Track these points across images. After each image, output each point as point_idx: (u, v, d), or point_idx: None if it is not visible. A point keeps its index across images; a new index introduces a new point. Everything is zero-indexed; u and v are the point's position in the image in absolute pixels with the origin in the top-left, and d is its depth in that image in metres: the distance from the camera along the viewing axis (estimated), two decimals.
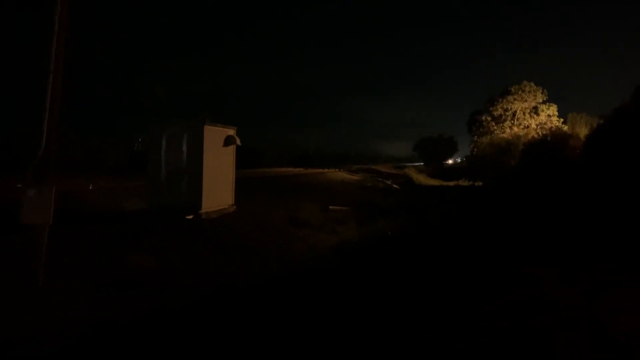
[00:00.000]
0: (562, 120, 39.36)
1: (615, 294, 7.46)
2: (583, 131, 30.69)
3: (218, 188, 12.02)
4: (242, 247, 9.85)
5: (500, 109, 41.70)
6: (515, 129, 40.16)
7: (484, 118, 43.10)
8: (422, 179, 53.36)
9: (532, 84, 40.63)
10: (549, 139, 31.33)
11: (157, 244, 8.65)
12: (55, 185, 6.36)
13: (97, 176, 18.23)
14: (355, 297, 6.95)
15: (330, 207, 16.93)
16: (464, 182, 43.37)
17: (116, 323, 5.41)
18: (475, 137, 44.60)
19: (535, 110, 40.33)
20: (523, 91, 40.43)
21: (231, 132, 12.64)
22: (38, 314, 5.45)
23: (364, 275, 8.43)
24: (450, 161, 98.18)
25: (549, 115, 39.78)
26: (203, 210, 11.27)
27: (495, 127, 41.81)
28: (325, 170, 39.51)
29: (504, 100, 41.40)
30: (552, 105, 40.16)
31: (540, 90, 40.25)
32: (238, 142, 12.73)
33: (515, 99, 40.66)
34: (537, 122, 39.72)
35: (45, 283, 6.17)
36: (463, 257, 10.32)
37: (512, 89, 40.99)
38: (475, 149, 44.66)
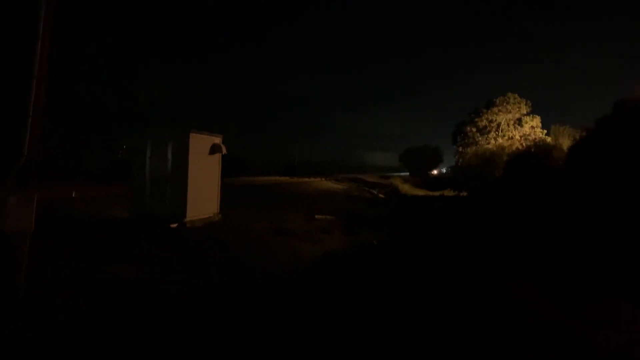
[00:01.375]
0: (545, 131, 39.85)
1: (596, 305, 7.55)
2: (566, 142, 31.05)
3: (203, 197, 11.93)
4: (226, 257, 9.76)
5: (485, 120, 42.09)
6: (500, 140, 40.53)
7: (468, 129, 43.45)
8: (408, 189, 53.55)
9: (517, 95, 41.14)
10: (533, 150, 31.66)
11: (140, 253, 8.53)
12: (37, 192, 6.24)
13: (80, 183, 18.00)
14: (339, 309, 6.91)
15: (316, 216, 16.89)
16: (449, 192, 43.63)
17: (94, 333, 5.33)
18: (460, 148, 44.90)
19: (519, 122, 40.76)
20: (507, 103, 40.88)
21: (217, 140, 12.58)
22: (16, 324, 5.32)
23: (348, 287, 8.40)
24: (435, 171, 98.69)
25: (532, 127, 40.22)
26: (188, 219, 11.17)
27: (480, 138, 42.17)
28: (312, 179, 39.51)
29: (489, 111, 41.81)
30: (535, 117, 40.64)
31: (524, 102, 40.73)
32: (224, 150, 12.66)
33: (499, 111, 41.09)
34: (521, 134, 40.14)
35: (25, 292, 6.03)
36: (446, 268, 10.36)
37: (497, 101, 41.44)
38: (460, 160, 44.96)
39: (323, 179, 41.78)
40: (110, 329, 5.51)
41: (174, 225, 10.88)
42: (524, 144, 37.43)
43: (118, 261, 7.91)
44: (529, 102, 40.89)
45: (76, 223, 10.52)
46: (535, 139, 38.20)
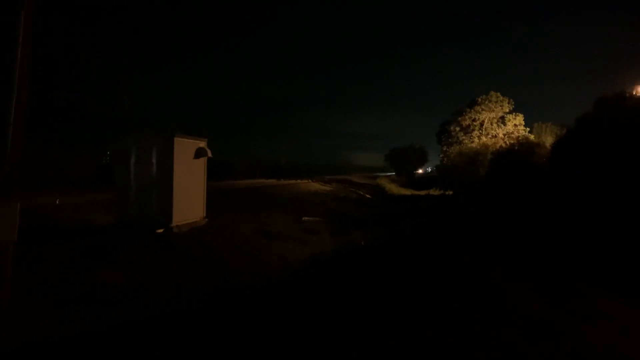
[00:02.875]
0: (528, 129, 40.27)
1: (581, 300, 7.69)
2: (549, 140, 31.38)
3: (189, 201, 11.89)
4: (213, 261, 9.74)
5: (468, 119, 42.41)
6: (484, 138, 40.85)
7: (452, 128, 43.76)
8: (394, 189, 53.77)
9: (499, 94, 41.53)
10: (516, 148, 31.94)
11: (126, 259, 8.49)
12: (20, 200, 6.18)
13: (65, 190, 17.81)
14: (325, 311, 6.94)
15: (304, 218, 16.92)
16: (435, 191, 43.92)
17: (79, 340, 5.31)
18: (445, 147, 45.19)
19: (502, 120, 41.13)
20: (490, 101, 41.24)
21: (202, 144, 12.54)
22: (0, 332, 5.28)
23: (335, 288, 8.42)
24: (420, 171, 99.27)
25: (515, 125, 40.61)
26: (174, 224, 11.12)
27: (464, 137, 42.49)
28: (298, 181, 39.51)
29: (472, 110, 42.14)
30: (518, 115, 41.04)
31: (507, 101, 41.11)
32: (209, 154, 12.63)
33: (482, 109, 41.44)
34: (505, 132, 40.50)
35: (10, 301, 5.98)
36: (433, 268, 10.45)
37: (479, 100, 41.79)
38: (445, 159, 45.24)
39: (310, 180, 41.80)
40: (97, 335, 5.48)
41: (160, 230, 10.83)
42: (507, 142, 37.77)
43: (104, 267, 7.86)
44: (511, 100, 41.30)
45: (61, 230, 10.42)
46: (518, 136, 38.56)
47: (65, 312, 6.04)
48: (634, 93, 21.16)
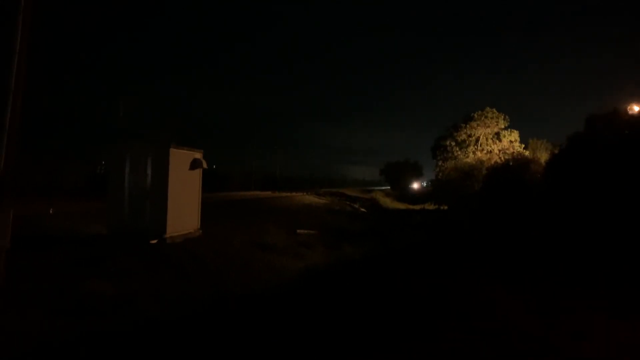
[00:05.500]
0: (523, 145, 40.49)
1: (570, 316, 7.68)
2: (544, 156, 31.56)
3: (183, 212, 11.81)
4: (206, 273, 9.66)
5: (463, 135, 42.61)
6: (479, 154, 41.02)
7: (448, 143, 43.93)
8: (389, 203, 53.82)
9: (495, 110, 41.79)
10: (511, 163, 32.12)
11: (119, 270, 8.39)
12: (13, 209, 6.13)
13: (58, 199, 17.69)
14: (318, 324, 6.88)
15: (298, 230, 16.86)
16: (429, 206, 43.98)
17: (69, 350, 5.25)
18: (440, 162, 45.31)
19: (497, 136, 41.34)
20: (486, 117, 41.48)
21: (197, 155, 12.50)
22: None
23: (328, 302, 8.36)
24: (415, 185, 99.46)
25: (511, 141, 40.83)
26: (168, 235, 11.04)
27: (459, 152, 42.66)
28: (293, 193, 39.42)
29: (467, 126, 42.36)
30: (513, 131, 41.30)
31: (502, 117, 41.37)
32: (204, 165, 12.58)
33: (478, 125, 41.66)
34: (500, 148, 40.69)
35: (1, 310, 5.89)
36: (426, 283, 10.42)
37: (475, 115, 42.03)
38: (440, 174, 45.34)
39: (305, 193, 41.71)
40: (87, 345, 5.40)
41: (154, 241, 10.74)
42: (502, 158, 37.94)
43: (96, 278, 7.76)
44: (507, 116, 41.55)
45: (54, 240, 10.31)
46: (513, 152, 38.74)
47: (57, 322, 5.95)
48: (628, 110, 21.32)
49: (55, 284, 7.29)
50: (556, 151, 24.32)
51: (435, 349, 5.99)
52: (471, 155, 41.53)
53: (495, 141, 41.27)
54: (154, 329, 6.28)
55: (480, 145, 41.57)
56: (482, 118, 41.54)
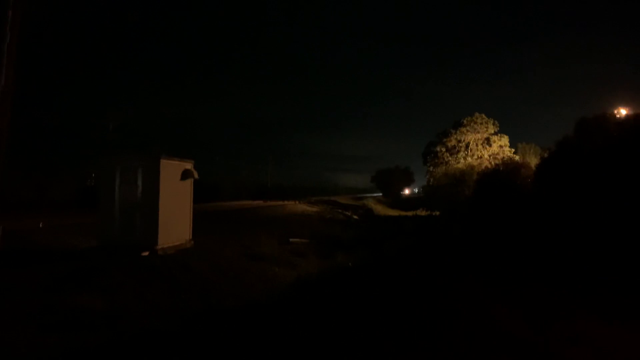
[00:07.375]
0: (513, 150, 40.80)
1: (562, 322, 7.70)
2: (533, 161, 31.82)
3: (175, 223, 11.75)
4: (198, 284, 9.60)
5: (454, 140, 42.90)
6: (469, 159, 41.28)
7: (438, 149, 44.20)
8: (381, 210, 53.92)
9: (484, 115, 42.15)
10: (501, 168, 32.31)
11: (109, 283, 8.32)
12: (2, 223, 6.07)
13: (47, 213, 17.55)
14: (311, 335, 6.87)
15: (291, 239, 16.81)
16: (422, 212, 44.10)
17: None
18: (431, 167, 45.56)
19: (487, 141, 41.66)
20: (475, 122, 41.83)
21: (188, 165, 12.46)
22: None
23: (322, 312, 8.34)
24: (407, 191, 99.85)
25: (500, 146, 41.15)
26: (159, 247, 10.97)
27: (450, 158, 42.92)
28: (285, 202, 39.36)
29: (457, 131, 42.67)
30: (503, 136, 41.63)
31: (492, 122, 41.73)
32: (196, 175, 12.54)
33: (468, 131, 41.98)
34: (490, 153, 40.99)
35: None
36: (418, 291, 10.44)
37: (465, 121, 42.36)
38: (432, 180, 45.58)
39: (296, 202, 41.65)
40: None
41: (145, 253, 10.66)
42: (493, 163, 38.20)
43: (86, 292, 7.69)
44: (496, 122, 41.92)
45: (43, 254, 10.21)
46: (503, 157, 39.02)
47: (46, 338, 5.88)
48: (616, 114, 21.62)
49: (44, 298, 7.21)
50: (546, 155, 24.52)
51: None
52: (462, 160, 41.79)
53: (485, 146, 41.57)
54: (146, 342, 6.23)
55: (471, 151, 41.86)
56: (472, 124, 41.87)
